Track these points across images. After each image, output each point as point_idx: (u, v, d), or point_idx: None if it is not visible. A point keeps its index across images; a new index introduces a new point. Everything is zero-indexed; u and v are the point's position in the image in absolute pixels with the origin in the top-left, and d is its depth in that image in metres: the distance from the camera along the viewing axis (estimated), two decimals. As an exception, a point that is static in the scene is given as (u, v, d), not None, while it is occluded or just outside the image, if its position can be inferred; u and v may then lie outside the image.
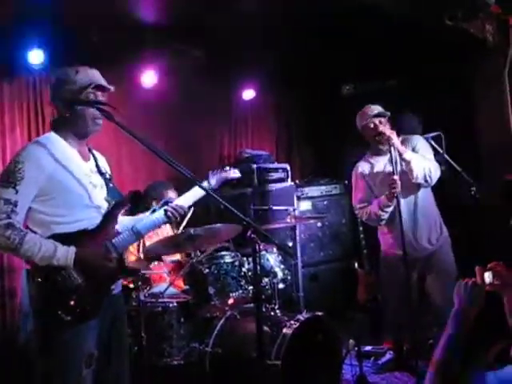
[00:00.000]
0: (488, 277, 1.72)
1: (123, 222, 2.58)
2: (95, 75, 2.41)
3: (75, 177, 2.32)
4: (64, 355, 2.22)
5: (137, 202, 4.12)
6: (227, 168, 3.13)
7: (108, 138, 4.39)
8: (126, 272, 2.52)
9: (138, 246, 3.91)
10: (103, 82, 2.42)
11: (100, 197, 2.42)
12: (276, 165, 5.61)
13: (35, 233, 2.24)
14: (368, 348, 4.36)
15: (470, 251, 3.89)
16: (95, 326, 2.29)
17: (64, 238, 2.24)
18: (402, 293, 3.54)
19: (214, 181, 3.00)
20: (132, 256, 3.96)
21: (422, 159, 3.58)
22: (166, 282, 3.91)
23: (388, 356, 4.15)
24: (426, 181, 3.58)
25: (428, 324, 3.82)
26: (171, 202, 2.60)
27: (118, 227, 2.48)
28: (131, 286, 3.63)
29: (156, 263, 4.07)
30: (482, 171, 4.67)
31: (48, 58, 4.18)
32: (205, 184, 2.87)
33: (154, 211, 2.60)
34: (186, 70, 5.01)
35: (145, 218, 2.56)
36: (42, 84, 4.46)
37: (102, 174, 2.49)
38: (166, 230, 4.28)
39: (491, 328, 1.70)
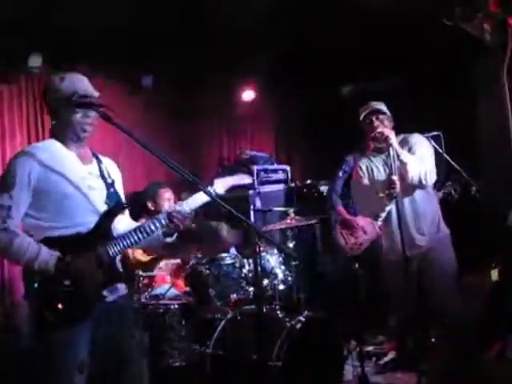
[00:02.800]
0: (494, 274, 1.70)
1: (124, 224, 2.53)
2: (80, 83, 2.37)
3: (69, 179, 2.30)
4: (55, 358, 2.21)
5: (135, 204, 4.08)
6: (237, 173, 2.92)
7: (106, 139, 4.38)
8: (118, 277, 2.41)
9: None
10: (88, 90, 2.36)
11: (99, 200, 2.39)
12: (276, 166, 5.61)
13: (31, 236, 2.24)
14: (369, 348, 4.36)
15: (470, 251, 3.88)
16: (87, 331, 2.26)
17: (56, 242, 2.23)
18: (402, 292, 3.53)
19: (220, 186, 2.73)
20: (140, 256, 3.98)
21: (419, 162, 3.60)
22: (167, 284, 3.92)
23: (390, 356, 4.15)
24: (421, 183, 3.60)
25: (430, 323, 3.81)
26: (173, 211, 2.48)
27: (117, 230, 2.44)
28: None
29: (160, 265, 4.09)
30: (482, 171, 4.66)
31: (47, 61, 4.18)
32: (208, 189, 2.61)
33: (154, 220, 2.46)
34: (186, 70, 5.01)
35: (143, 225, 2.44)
36: (42, 87, 4.45)
37: (103, 177, 2.45)
38: None
39: (496, 324, 1.68)
